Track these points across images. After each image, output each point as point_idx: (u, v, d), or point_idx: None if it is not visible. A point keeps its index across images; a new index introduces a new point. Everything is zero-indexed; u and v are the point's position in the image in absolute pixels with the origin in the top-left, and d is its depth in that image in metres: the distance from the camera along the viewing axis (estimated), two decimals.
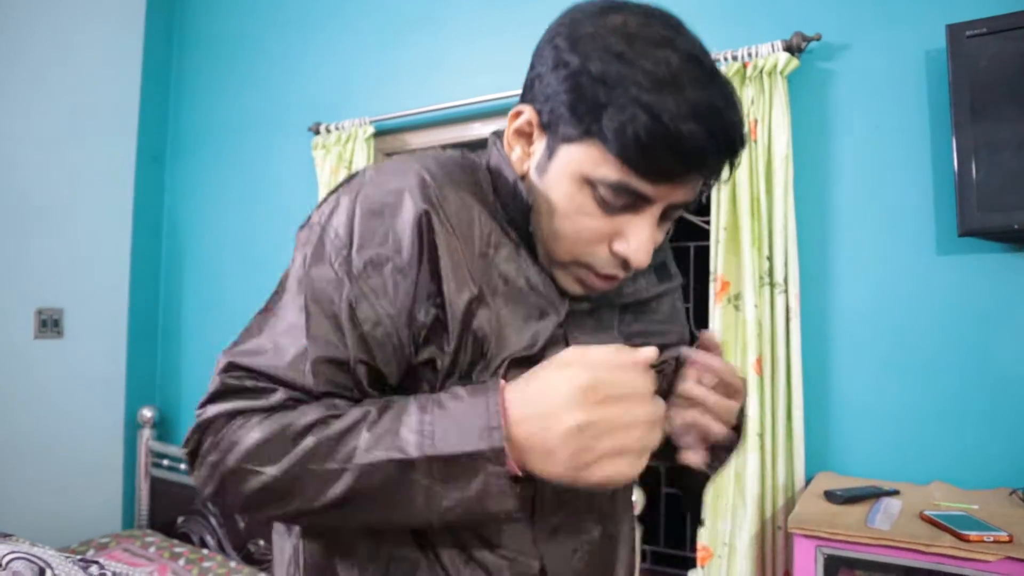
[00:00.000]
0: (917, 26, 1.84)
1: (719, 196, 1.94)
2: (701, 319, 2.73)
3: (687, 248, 2.87)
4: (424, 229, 0.71)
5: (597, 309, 0.84)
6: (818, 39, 1.91)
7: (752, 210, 1.88)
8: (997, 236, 1.68)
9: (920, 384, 1.81)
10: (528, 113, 0.76)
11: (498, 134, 0.84)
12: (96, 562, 1.69)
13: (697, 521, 1.95)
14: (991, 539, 1.34)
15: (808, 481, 1.83)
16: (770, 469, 1.83)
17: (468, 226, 0.74)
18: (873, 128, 1.89)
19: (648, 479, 1.29)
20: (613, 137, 0.67)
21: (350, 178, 0.77)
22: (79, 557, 1.71)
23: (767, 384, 1.84)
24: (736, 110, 0.70)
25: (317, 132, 2.73)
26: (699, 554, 1.92)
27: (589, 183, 0.71)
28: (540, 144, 0.75)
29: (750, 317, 1.85)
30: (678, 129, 0.65)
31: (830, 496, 1.63)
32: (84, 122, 2.97)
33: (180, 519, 2.92)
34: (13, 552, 1.56)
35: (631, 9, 0.72)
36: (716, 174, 0.73)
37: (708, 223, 2.00)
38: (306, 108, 2.86)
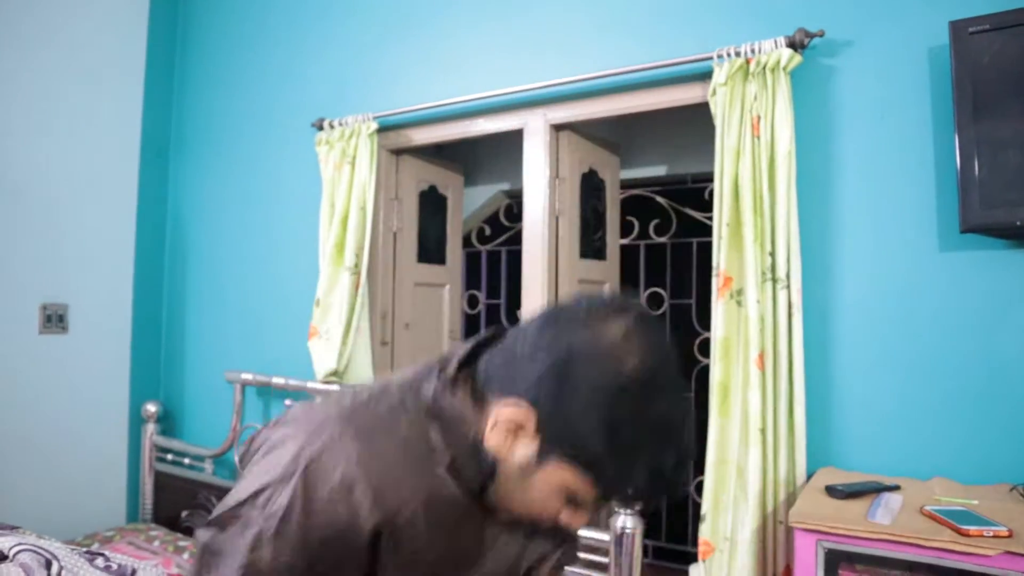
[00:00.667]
0: (920, 22, 1.84)
1: (722, 192, 1.94)
2: (704, 315, 2.74)
3: (690, 244, 2.88)
4: (375, 550, 0.80)
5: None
6: (821, 35, 1.92)
7: (755, 206, 1.89)
8: (999, 232, 1.68)
9: (921, 380, 1.82)
10: (530, 414, 0.80)
11: (441, 367, 0.89)
12: (102, 554, 1.70)
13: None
14: (991, 534, 1.35)
15: (809, 476, 1.83)
16: (772, 464, 1.84)
17: (416, 521, 0.82)
18: (876, 124, 1.90)
19: None
20: (607, 488, 0.81)
21: (291, 467, 0.80)
22: (84, 549, 1.72)
23: (769, 379, 1.84)
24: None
25: (320, 128, 2.74)
26: (700, 548, 1.93)
27: (569, 494, 0.82)
28: (531, 444, 0.81)
29: (752, 313, 1.85)
30: (655, 486, 0.80)
31: (831, 491, 1.64)
32: (87, 117, 2.98)
33: (184, 513, 2.93)
34: (20, 544, 1.57)
35: (622, 322, 0.79)
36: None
37: (711, 219, 2.00)
38: (309, 104, 2.87)
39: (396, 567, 0.81)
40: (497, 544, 0.91)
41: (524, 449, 0.82)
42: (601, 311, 0.81)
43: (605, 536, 1.93)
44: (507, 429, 0.82)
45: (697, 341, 2.81)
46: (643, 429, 0.76)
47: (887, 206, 1.87)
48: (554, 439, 0.80)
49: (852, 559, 1.49)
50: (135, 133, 3.16)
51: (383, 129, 2.63)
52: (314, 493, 0.77)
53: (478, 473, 0.84)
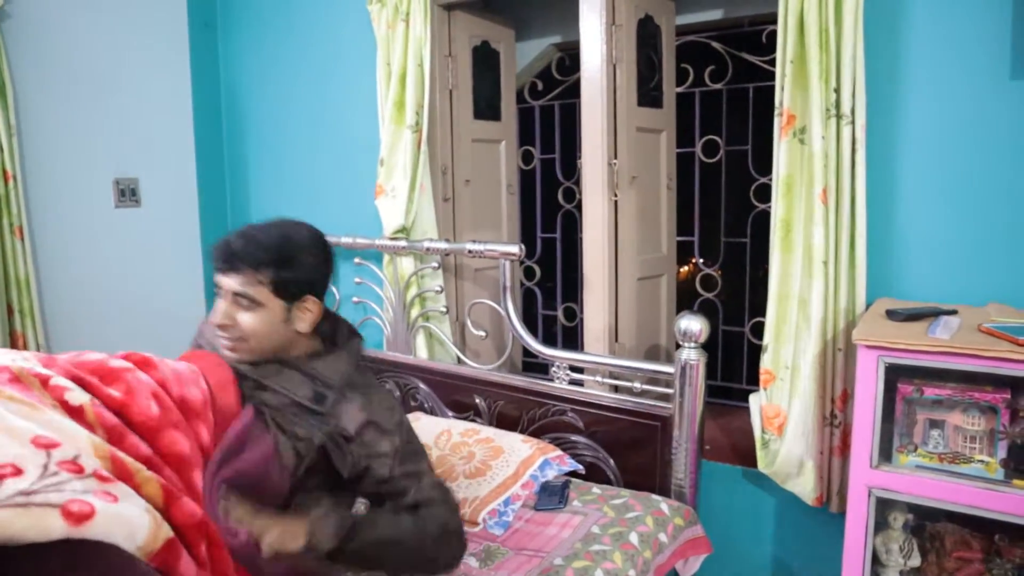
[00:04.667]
0: None
1: (786, 29, 1.92)
2: (760, 161, 2.75)
3: (746, 89, 2.85)
4: None
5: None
6: None
7: (820, 42, 1.87)
8: None
9: (981, 212, 1.85)
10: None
11: None
12: None
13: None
14: None
15: (868, 306, 1.92)
16: (833, 294, 1.92)
17: None
18: None
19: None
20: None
21: None
22: None
23: (831, 214, 1.89)
24: (243, 242, 1.37)
25: None
26: (762, 377, 2.05)
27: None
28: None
29: (817, 149, 1.87)
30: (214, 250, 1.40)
31: (892, 314, 1.72)
32: None
33: None
34: None
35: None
36: (239, 272, 1.36)
37: (769, 62, 1.99)
38: None
39: None
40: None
41: None
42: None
43: (670, 368, 2.06)
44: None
45: (753, 187, 2.83)
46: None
47: (957, 38, 1.84)
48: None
49: (912, 373, 1.60)
50: (181, 4, 3.14)
51: None
52: None
53: None
